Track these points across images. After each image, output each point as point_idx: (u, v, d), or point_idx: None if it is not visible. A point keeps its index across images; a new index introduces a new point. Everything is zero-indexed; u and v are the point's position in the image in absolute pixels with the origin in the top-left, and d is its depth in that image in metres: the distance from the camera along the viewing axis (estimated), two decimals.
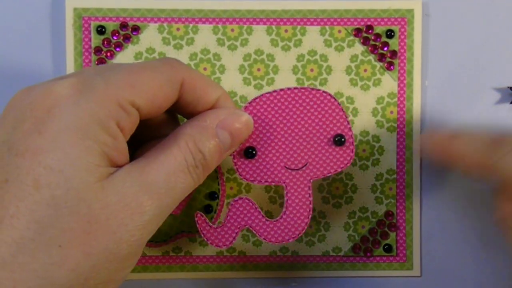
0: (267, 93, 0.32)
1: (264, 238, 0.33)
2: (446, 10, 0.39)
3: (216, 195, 0.35)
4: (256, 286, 0.38)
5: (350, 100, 0.38)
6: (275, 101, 0.32)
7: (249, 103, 0.32)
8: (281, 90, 0.32)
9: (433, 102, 0.38)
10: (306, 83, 0.38)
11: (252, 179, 0.32)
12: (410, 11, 0.38)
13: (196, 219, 0.32)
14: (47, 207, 0.24)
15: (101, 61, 0.37)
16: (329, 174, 0.32)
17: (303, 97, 0.32)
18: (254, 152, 0.32)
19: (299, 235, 0.33)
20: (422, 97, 0.38)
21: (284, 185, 0.32)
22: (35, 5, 0.38)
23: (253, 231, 0.33)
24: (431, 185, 0.38)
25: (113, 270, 0.26)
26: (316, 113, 0.32)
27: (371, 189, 0.38)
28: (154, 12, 0.38)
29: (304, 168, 0.32)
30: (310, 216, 0.33)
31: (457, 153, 0.32)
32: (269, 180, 0.32)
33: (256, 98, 0.32)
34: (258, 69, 0.38)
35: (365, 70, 0.38)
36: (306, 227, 0.33)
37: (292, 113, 0.32)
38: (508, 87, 0.38)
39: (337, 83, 0.38)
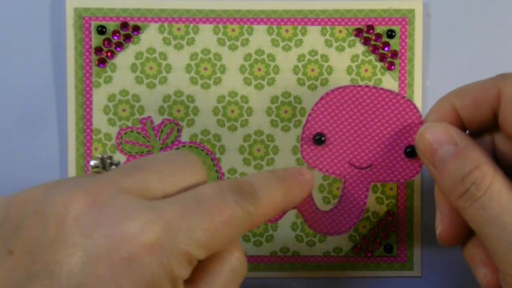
0: (352, 85, 0.31)
1: (309, 225, 0.32)
2: (447, 10, 0.39)
3: None
4: (256, 286, 0.38)
5: None
6: (358, 95, 0.31)
7: (332, 90, 0.31)
8: (366, 86, 0.31)
9: (434, 102, 0.38)
10: (307, 83, 0.38)
11: (314, 165, 0.32)
12: (411, 11, 0.38)
13: None
14: None
15: (101, 61, 0.37)
16: (391, 182, 0.32)
17: (387, 99, 0.31)
18: (323, 139, 0.31)
19: (345, 233, 0.32)
20: (423, 98, 0.38)
21: (343, 180, 0.32)
22: (35, 5, 0.38)
23: (301, 216, 0.32)
24: (431, 185, 0.38)
25: None
26: (394, 119, 0.31)
27: (372, 189, 0.38)
28: (155, 12, 0.38)
29: (368, 169, 0.32)
30: (360, 217, 0.32)
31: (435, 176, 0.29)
32: (330, 171, 0.32)
33: (340, 87, 0.31)
34: (259, 69, 0.38)
35: (366, 70, 0.38)
36: (353, 227, 0.32)
37: (371, 112, 0.31)
38: None
39: (338, 83, 0.38)
